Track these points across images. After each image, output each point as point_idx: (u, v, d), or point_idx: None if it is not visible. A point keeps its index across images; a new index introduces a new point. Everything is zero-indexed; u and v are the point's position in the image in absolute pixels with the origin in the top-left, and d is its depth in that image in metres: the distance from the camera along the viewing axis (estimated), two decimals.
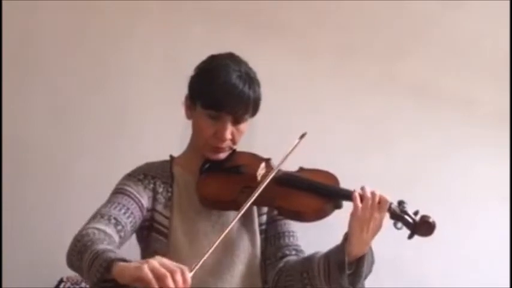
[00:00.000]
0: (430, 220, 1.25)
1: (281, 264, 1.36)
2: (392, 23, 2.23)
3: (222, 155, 1.36)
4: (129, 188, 1.31)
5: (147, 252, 1.36)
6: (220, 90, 1.29)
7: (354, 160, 2.20)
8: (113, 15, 2.19)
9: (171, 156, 1.45)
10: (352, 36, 2.23)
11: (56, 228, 2.10)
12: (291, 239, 1.40)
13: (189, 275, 0.96)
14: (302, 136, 1.42)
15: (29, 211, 2.16)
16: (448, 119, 2.23)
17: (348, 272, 1.22)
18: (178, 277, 0.93)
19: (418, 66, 2.23)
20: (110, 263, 1.00)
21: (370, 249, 1.27)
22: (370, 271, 1.29)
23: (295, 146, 1.37)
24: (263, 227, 1.41)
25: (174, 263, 0.96)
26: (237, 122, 1.32)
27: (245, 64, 1.38)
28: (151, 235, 1.35)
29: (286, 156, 1.34)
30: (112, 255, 1.01)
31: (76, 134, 2.18)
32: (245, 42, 2.18)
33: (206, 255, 1.06)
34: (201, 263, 1.03)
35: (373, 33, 2.24)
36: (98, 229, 1.16)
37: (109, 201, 1.28)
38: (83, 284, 2.05)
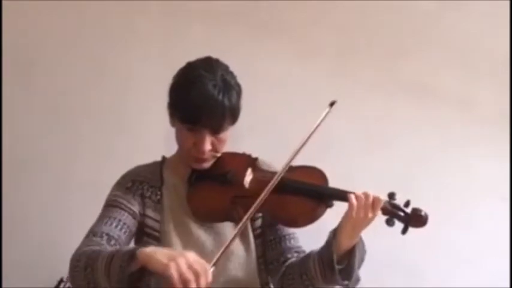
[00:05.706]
0: (422, 213, 1.27)
1: (283, 269, 1.36)
2: (393, 23, 2.23)
3: (206, 165, 1.34)
4: (119, 199, 1.32)
5: None
6: (194, 104, 1.25)
7: (353, 160, 2.20)
8: (113, 15, 2.19)
9: (163, 158, 1.44)
10: (352, 36, 2.23)
11: (56, 229, 2.10)
12: (292, 241, 1.40)
13: (210, 274, 1.00)
14: (332, 104, 1.41)
15: (29, 211, 2.16)
16: (448, 119, 2.23)
17: (339, 267, 1.22)
18: (203, 281, 0.97)
19: (418, 66, 2.23)
20: (132, 253, 1.03)
21: (360, 238, 1.27)
22: (362, 260, 1.29)
23: (324, 116, 1.37)
24: (258, 231, 1.40)
25: (201, 262, 1.00)
26: (216, 132, 1.29)
27: (223, 69, 1.32)
28: (142, 239, 1.34)
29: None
30: (131, 247, 1.04)
31: (75, 134, 2.18)
32: (245, 42, 2.19)
33: (223, 249, 1.11)
34: (218, 256, 1.08)
35: (373, 33, 2.23)
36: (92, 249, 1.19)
37: (100, 217, 1.30)
38: None
